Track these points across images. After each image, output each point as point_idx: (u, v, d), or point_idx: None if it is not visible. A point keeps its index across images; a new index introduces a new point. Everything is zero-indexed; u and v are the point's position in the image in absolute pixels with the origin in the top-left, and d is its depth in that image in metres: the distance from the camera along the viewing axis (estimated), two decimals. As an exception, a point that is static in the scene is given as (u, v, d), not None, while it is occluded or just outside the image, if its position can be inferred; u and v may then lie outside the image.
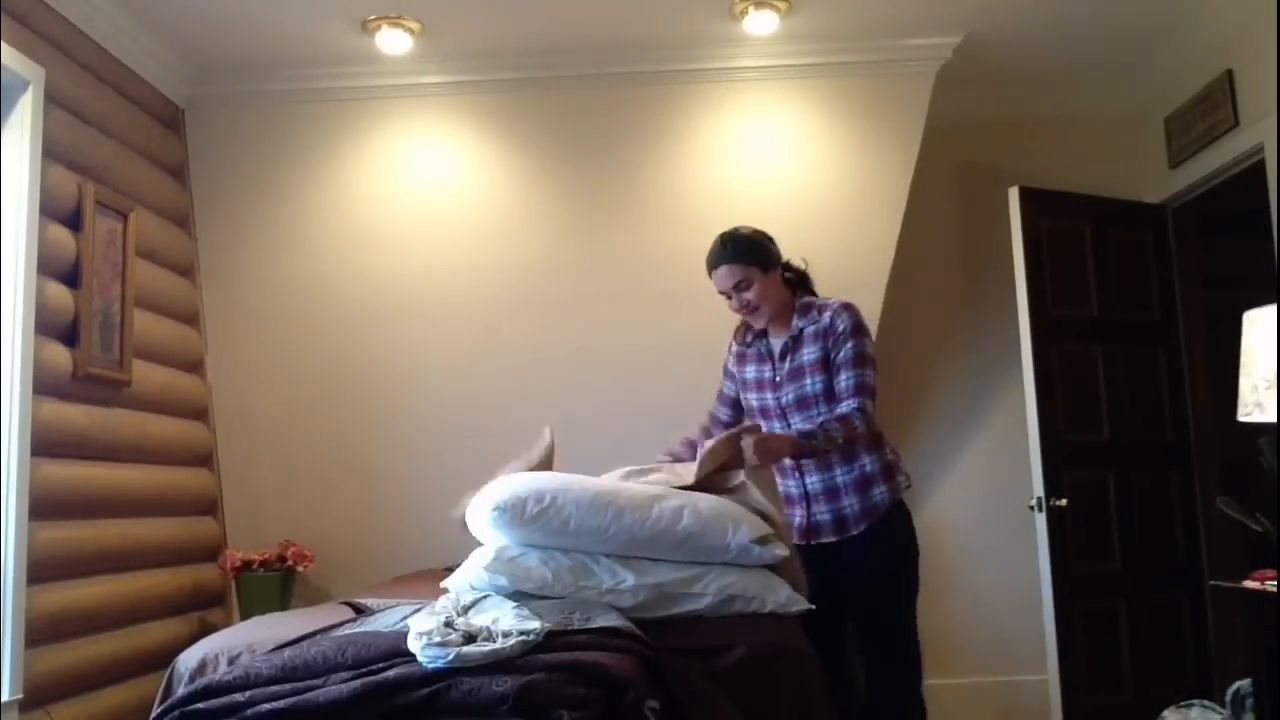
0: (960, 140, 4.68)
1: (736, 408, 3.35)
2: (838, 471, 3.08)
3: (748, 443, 2.87)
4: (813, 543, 3.10)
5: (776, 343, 3.19)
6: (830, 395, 3.06)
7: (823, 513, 3.10)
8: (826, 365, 3.07)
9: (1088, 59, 4.56)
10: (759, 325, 3.18)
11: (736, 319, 3.37)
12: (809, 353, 3.10)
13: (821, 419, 3.00)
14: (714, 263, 3.13)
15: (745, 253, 3.11)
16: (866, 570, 3.08)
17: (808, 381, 3.09)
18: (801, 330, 3.12)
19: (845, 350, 3.03)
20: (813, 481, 3.10)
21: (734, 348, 3.33)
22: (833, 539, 3.09)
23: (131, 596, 3.68)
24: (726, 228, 4.40)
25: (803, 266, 3.25)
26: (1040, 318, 4.20)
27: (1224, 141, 4.17)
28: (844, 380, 3.03)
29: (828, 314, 3.10)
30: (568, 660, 2.11)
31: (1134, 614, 4.29)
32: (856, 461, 3.09)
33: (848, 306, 3.11)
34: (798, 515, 3.13)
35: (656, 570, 2.61)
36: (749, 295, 3.10)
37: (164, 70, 4.22)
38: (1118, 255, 4.53)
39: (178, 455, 4.15)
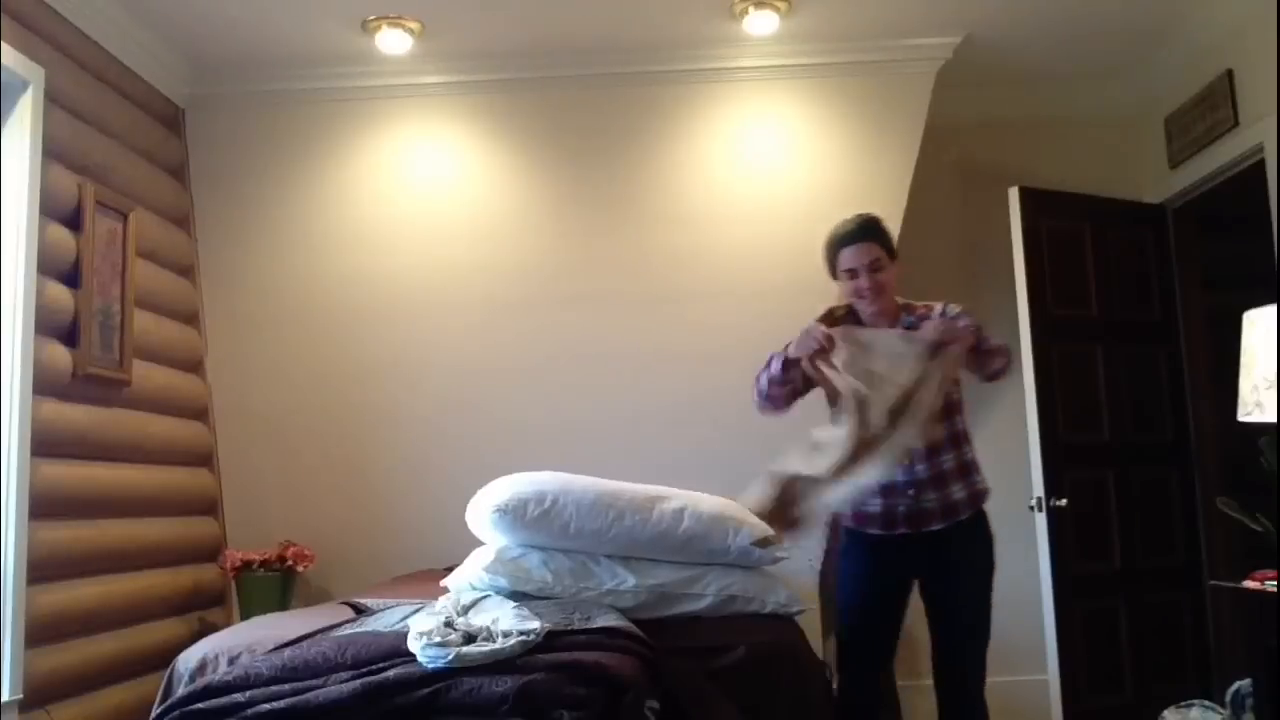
0: (960, 140, 4.68)
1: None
2: (945, 458, 3.05)
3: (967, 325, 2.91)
4: (921, 530, 3.04)
5: None
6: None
7: (930, 500, 3.04)
8: None
9: (1088, 59, 4.56)
10: (871, 310, 3.08)
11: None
12: None
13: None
14: (852, 238, 3.05)
15: (884, 236, 3.09)
16: (976, 552, 3.09)
17: None
18: (911, 324, 3.07)
19: (966, 321, 3.01)
20: (920, 469, 3.04)
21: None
22: (940, 526, 3.04)
23: (131, 596, 3.68)
24: (726, 226, 4.43)
25: None
26: (1040, 318, 4.20)
27: (1224, 141, 4.17)
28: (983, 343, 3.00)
29: (939, 307, 3.10)
30: (568, 660, 2.11)
31: (1134, 614, 4.29)
32: (959, 449, 3.08)
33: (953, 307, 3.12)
34: (902, 504, 3.05)
35: (657, 571, 2.62)
36: (881, 276, 3.04)
37: (164, 70, 4.22)
38: (1118, 255, 4.52)
39: (178, 455, 4.15)
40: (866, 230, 3.05)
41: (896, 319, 3.08)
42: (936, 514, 3.05)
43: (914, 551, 3.04)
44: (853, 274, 3.04)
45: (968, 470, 3.09)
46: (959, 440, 3.08)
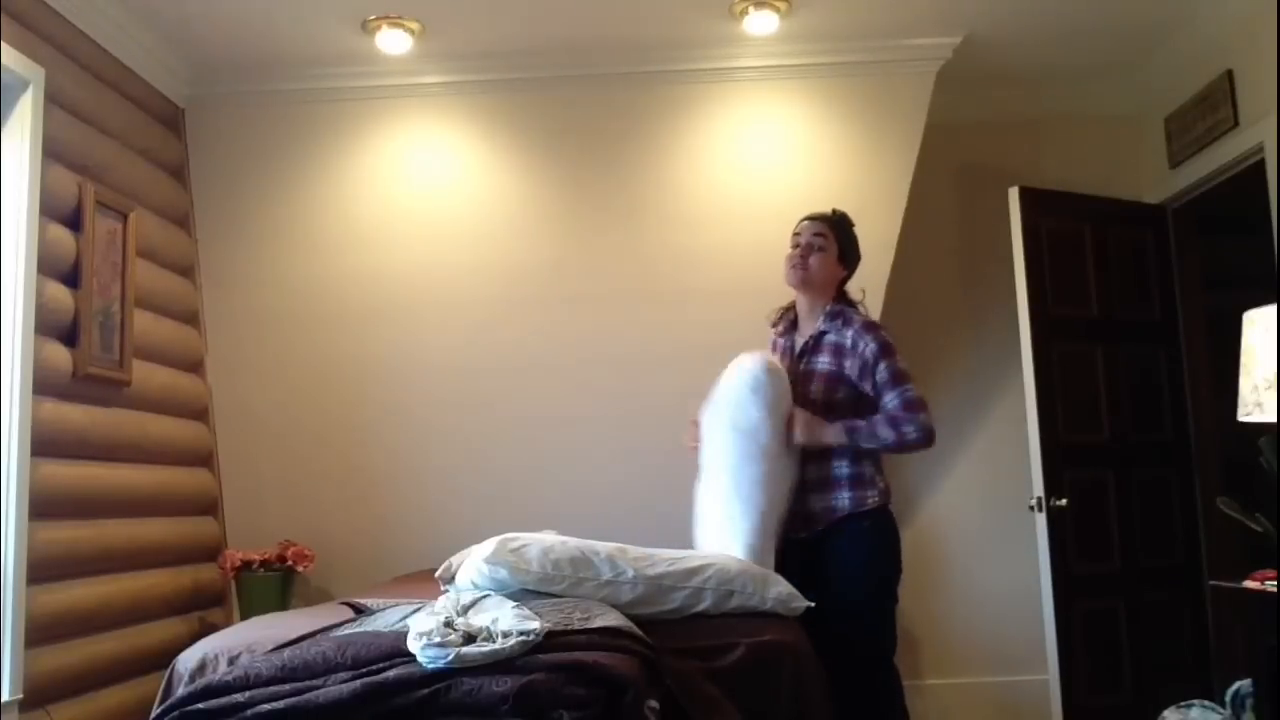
0: (960, 140, 4.68)
1: None
2: (809, 470, 3.10)
3: (799, 418, 3.03)
4: (801, 534, 3.11)
5: (800, 340, 3.25)
6: (829, 408, 3.09)
7: (814, 502, 3.11)
8: (833, 380, 3.12)
9: (1088, 59, 4.56)
10: (793, 280, 3.24)
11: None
12: (822, 361, 3.15)
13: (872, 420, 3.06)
14: (814, 216, 3.29)
15: (841, 229, 3.27)
16: (849, 562, 3.09)
17: (813, 387, 3.14)
18: (822, 336, 3.18)
19: (880, 373, 3.06)
20: (809, 469, 3.11)
21: (771, 335, 3.40)
22: (802, 535, 3.11)
23: (131, 596, 3.68)
24: (726, 226, 4.44)
25: (859, 298, 3.30)
26: (1040, 318, 4.20)
27: (1224, 141, 4.17)
28: (890, 402, 3.04)
29: (850, 332, 3.13)
30: (568, 660, 2.11)
31: (1134, 614, 4.29)
32: (827, 463, 3.11)
33: (870, 327, 3.13)
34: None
35: (656, 564, 2.62)
36: (814, 255, 3.21)
37: (164, 70, 4.22)
38: (1118, 255, 4.52)
39: (178, 455, 4.15)
40: (831, 217, 3.28)
41: (819, 308, 3.22)
42: (818, 516, 3.10)
43: (801, 553, 3.08)
44: (796, 243, 3.25)
45: (831, 485, 3.09)
46: (829, 455, 3.10)
